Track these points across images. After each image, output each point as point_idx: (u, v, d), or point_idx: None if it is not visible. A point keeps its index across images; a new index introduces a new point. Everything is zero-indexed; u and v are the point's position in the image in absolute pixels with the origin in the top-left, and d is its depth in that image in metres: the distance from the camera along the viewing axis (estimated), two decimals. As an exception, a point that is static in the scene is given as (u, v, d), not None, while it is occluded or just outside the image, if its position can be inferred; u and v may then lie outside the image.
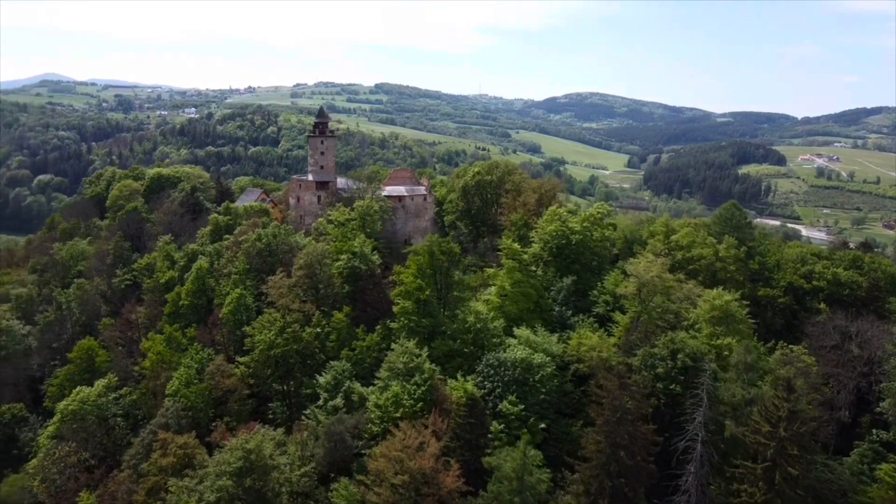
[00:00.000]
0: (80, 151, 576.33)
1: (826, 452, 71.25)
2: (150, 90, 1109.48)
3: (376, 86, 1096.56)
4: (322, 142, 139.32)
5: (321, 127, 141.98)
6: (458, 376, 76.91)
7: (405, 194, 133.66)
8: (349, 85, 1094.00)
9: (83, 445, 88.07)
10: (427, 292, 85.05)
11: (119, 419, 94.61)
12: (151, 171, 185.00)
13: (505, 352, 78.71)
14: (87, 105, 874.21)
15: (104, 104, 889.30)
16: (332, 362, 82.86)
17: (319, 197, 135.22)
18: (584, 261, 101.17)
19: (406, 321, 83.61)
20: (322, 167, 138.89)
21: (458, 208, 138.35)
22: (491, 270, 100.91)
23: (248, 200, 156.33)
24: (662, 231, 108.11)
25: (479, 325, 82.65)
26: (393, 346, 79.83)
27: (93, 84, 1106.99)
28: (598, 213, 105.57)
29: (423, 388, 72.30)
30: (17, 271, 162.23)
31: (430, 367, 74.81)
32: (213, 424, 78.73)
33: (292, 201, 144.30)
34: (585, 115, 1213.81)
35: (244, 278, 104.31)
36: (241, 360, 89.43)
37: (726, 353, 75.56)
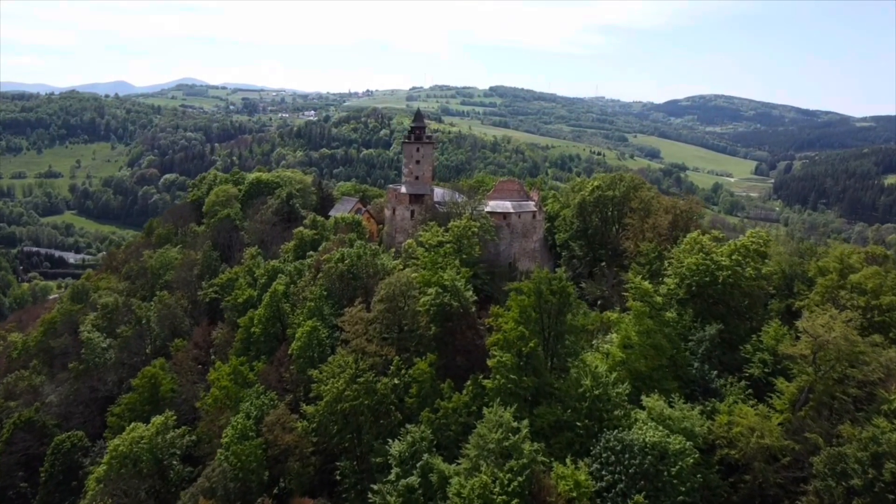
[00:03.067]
0: (204, 152, 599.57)
1: None
2: (274, 93, 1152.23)
3: (491, 88, 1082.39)
4: (418, 149, 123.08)
5: (417, 132, 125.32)
6: (568, 460, 59.36)
7: (511, 210, 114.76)
8: (464, 88, 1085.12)
9: (130, 496, 76.91)
10: (532, 343, 67.44)
11: (175, 461, 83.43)
12: (251, 176, 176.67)
13: (631, 431, 60.35)
14: (216, 107, 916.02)
15: (231, 107, 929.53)
16: (409, 426, 67.23)
17: (413, 212, 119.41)
18: (733, 303, 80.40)
19: (503, 380, 66.34)
20: (417, 177, 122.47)
21: (573, 227, 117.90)
22: (613, 315, 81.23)
23: (342, 210, 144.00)
24: (836, 268, 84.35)
25: (597, 392, 64.21)
26: (485, 410, 63.14)
27: (223, 88, 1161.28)
28: (753, 242, 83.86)
29: (520, 479, 55.21)
30: (111, 277, 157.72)
31: (530, 450, 57.48)
32: (260, 500, 64.78)
33: (388, 213, 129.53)
34: (709, 118, 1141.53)
35: (321, 306, 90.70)
36: (306, 408, 75.37)
37: (956, 460, 53.27)
